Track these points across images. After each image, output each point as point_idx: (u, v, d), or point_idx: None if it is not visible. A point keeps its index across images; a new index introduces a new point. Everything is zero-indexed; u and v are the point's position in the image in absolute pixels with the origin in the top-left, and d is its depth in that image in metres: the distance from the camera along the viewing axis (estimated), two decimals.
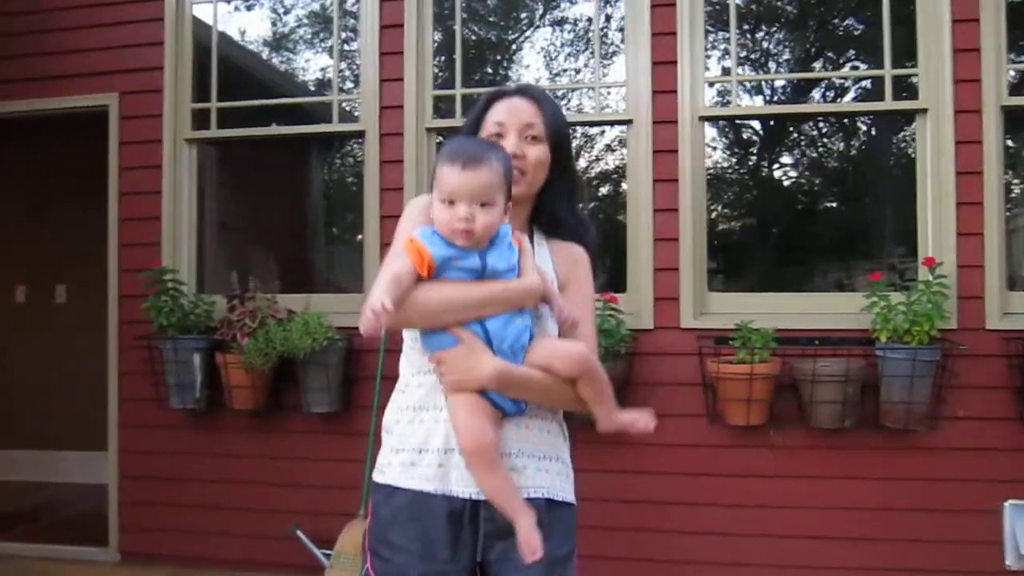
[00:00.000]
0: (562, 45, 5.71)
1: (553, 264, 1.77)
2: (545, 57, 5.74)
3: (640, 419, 1.65)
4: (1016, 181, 4.52)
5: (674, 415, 3.59)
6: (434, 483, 1.61)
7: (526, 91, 1.79)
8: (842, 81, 5.21)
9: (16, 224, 5.99)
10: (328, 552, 3.64)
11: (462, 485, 1.60)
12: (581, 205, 1.92)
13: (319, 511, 3.87)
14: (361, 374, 3.90)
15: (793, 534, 3.54)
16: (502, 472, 1.58)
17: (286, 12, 5.51)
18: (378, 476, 1.70)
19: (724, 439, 3.60)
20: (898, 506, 3.48)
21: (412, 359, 1.71)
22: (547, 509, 1.64)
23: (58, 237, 5.89)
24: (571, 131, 1.92)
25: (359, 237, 4.16)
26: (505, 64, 5.83)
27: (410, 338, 1.71)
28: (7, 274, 6.07)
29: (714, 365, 3.45)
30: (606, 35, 4.60)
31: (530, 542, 1.53)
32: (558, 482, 1.69)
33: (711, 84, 3.96)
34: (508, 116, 1.74)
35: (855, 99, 5.10)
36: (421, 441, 1.63)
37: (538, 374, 1.59)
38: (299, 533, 3.77)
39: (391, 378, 3.81)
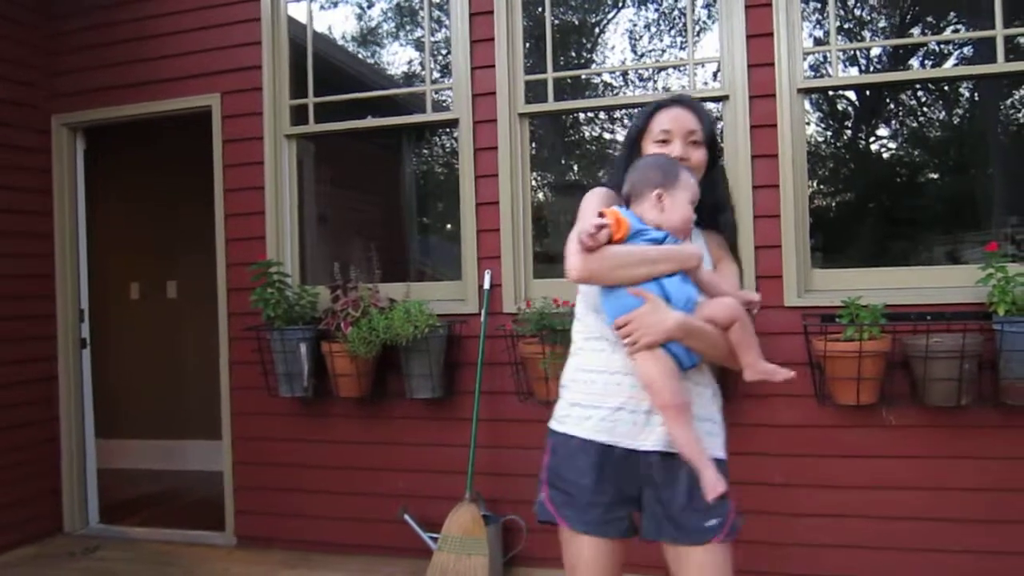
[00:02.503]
0: (647, 25, 5.64)
1: (707, 248, 2.05)
2: (630, 38, 5.69)
3: (781, 370, 1.89)
4: None
5: (781, 395, 3.52)
6: (604, 435, 1.91)
7: (683, 101, 2.05)
8: (941, 46, 4.99)
9: (128, 224, 6.26)
10: (435, 536, 3.72)
11: (628, 439, 1.90)
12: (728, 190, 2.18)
13: (425, 495, 3.95)
14: (463, 360, 3.96)
15: (907, 515, 3.43)
16: (692, 425, 1.83)
17: (374, 6, 5.61)
18: (556, 425, 2.01)
19: (834, 419, 3.51)
20: (1019, 486, 3.33)
21: (587, 323, 2.01)
22: (683, 465, 1.86)
23: (167, 234, 6.15)
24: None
25: (456, 226, 4.20)
26: (591, 47, 5.79)
27: (583, 306, 2.01)
28: (122, 272, 6.35)
29: (821, 343, 3.36)
30: (694, 12, 4.51)
31: (715, 486, 1.80)
32: (708, 441, 1.90)
33: (808, 55, 3.85)
34: (673, 124, 1.99)
35: (957, 64, 4.89)
36: (596, 399, 1.93)
37: (708, 325, 1.85)
38: (407, 517, 3.86)
39: (492, 364, 3.90)
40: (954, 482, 3.39)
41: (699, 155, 1.99)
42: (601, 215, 1.83)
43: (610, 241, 1.82)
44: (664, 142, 1.98)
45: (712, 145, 2.04)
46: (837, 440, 3.52)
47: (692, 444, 1.82)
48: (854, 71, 5.14)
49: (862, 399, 3.32)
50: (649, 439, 1.89)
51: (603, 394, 1.93)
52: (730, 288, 1.96)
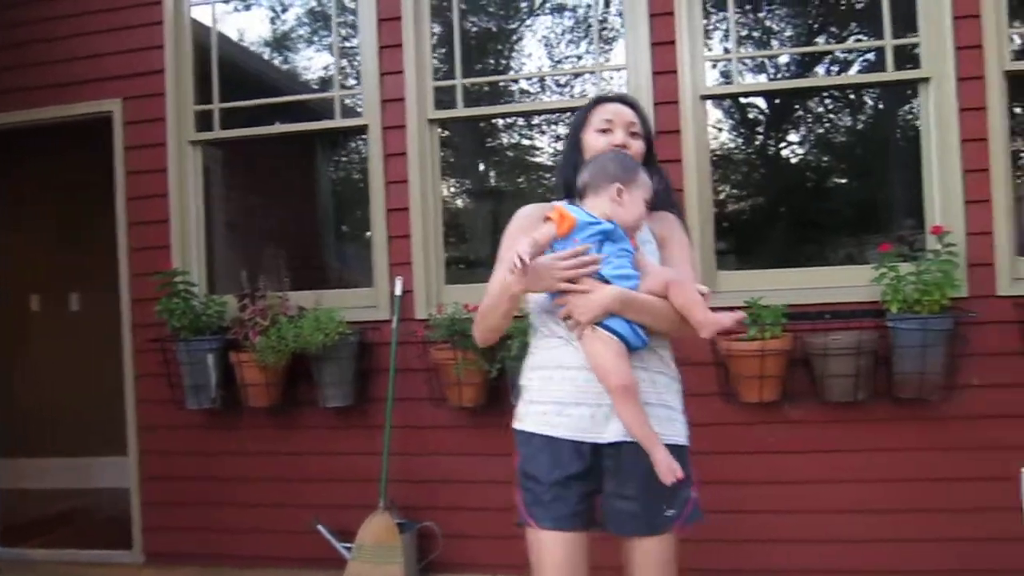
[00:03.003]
0: (562, 32, 5.72)
1: (651, 228, 2.07)
2: (546, 45, 5.75)
3: (729, 314, 1.91)
4: None
5: (688, 395, 3.58)
6: (561, 430, 1.94)
7: (625, 99, 2.17)
8: (845, 56, 5.19)
9: (27, 234, 6.03)
10: (349, 545, 3.68)
11: (586, 432, 1.93)
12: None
13: (339, 505, 3.90)
14: (375, 367, 3.92)
15: (810, 509, 3.54)
16: (641, 407, 1.88)
17: (284, 11, 5.54)
18: (517, 424, 2.06)
19: (739, 417, 3.60)
20: (915, 476, 3.47)
21: (537, 324, 2.06)
22: (643, 454, 1.89)
23: (69, 245, 5.94)
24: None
25: (366, 232, 4.17)
26: (506, 53, 5.83)
27: (533, 305, 2.04)
28: (21, 284, 6.12)
29: (725, 343, 3.45)
30: (606, 20, 4.59)
31: (669, 464, 1.84)
32: (665, 426, 1.95)
33: (713, 64, 3.96)
34: (615, 116, 2.08)
35: (856, 72, 5.08)
36: (552, 395, 1.97)
37: (648, 296, 1.90)
38: (320, 527, 3.81)
39: (404, 371, 3.88)
40: (852, 475, 3.51)
41: (637, 145, 2.07)
42: (547, 218, 1.89)
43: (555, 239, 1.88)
44: (606, 131, 2.06)
45: (651, 141, 2.14)
46: (742, 437, 3.61)
47: (641, 425, 1.86)
48: (763, 79, 5.30)
49: (765, 396, 3.42)
50: (608, 431, 1.92)
51: (558, 390, 1.96)
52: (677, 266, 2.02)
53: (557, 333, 1.98)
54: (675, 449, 1.92)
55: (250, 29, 5.44)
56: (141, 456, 4.27)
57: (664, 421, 1.95)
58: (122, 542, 4.35)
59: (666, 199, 2.15)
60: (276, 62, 5.71)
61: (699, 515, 2.01)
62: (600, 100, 2.15)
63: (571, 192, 2.05)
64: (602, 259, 1.87)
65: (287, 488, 4.04)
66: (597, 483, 1.96)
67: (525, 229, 1.95)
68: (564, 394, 1.95)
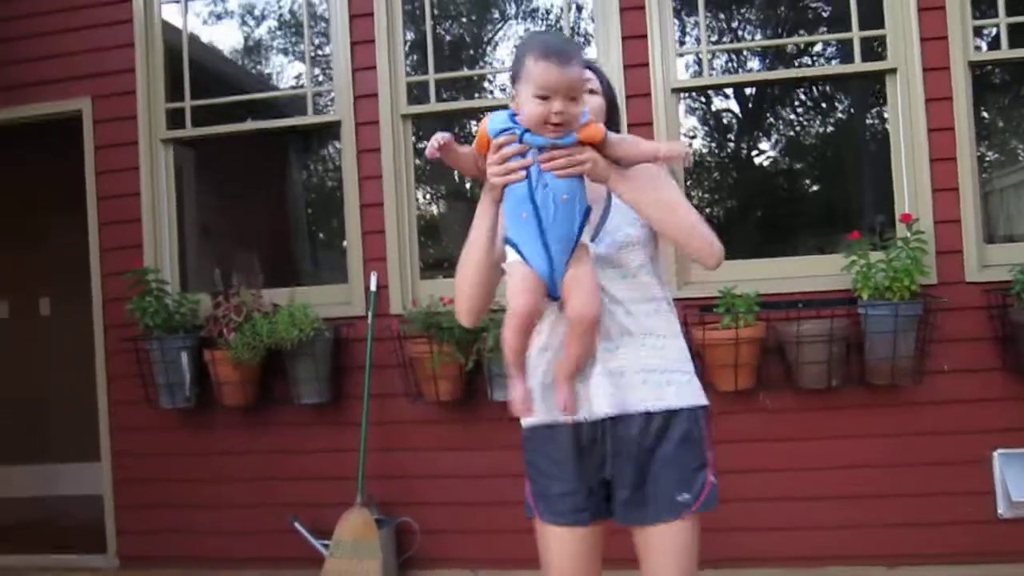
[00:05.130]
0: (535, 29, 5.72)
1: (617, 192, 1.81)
2: (519, 41, 5.76)
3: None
4: (993, 139, 4.59)
5: None
6: (542, 415, 1.79)
7: (584, 62, 1.92)
8: (815, 49, 5.25)
9: None
10: (327, 542, 3.65)
11: (583, 412, 1.76)
12: None
13: (316, 502, 3.88)
14: (351, 363, 3.91)
15: (787, 496, 3.57)
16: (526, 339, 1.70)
17: (255, 10, 5.51)
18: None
19: (714, 406, 3.58)
20: (888, 462, 3.51)
21: None
22: (646, 422, 1.76)
23: (39, 249, 5.83)
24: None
25: (341, 228, 4.15)
26: (480, 55, 5.85)
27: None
28: None
29: (700, 332, 3.47)
30: (578, 25, 4.61)
31: (519, 402, 1.70)
32: (655, 393, 1.78)
33: (683, 57, 3.99)
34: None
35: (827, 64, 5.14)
36: (534, 379, 1.79)
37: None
38: (297, 525, 3.78)
39: (380, 366, 3.87)
40: (827, 461, 3.55)
41: (595, 100, 1.87)
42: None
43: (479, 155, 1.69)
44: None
45: (613, 102, 1.96)
46: (717, 427, 3.60)
47: (519, 353, 1.70)
48: (734, 72, 5.35)
49: (740, 384, 3.44)
50: (594, 406, 1.76)
51: (535, 370, 1.80)
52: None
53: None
54: (694, 412, 1.80)
55: (221, 29, 5.41)
56: (114, 458, 4.22)
57: (657, 387, 1.77)
58: (96, 547, 4.28)
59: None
60: (248, 61, 5.68)
61: (715, 501, 1.80)
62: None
63: None
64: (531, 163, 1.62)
65: (263, 487, 4.00)
66: (602, 470, 1.79)
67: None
68: (541, 374, 1.80)
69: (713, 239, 1.76)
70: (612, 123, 1.90)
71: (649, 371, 1.79)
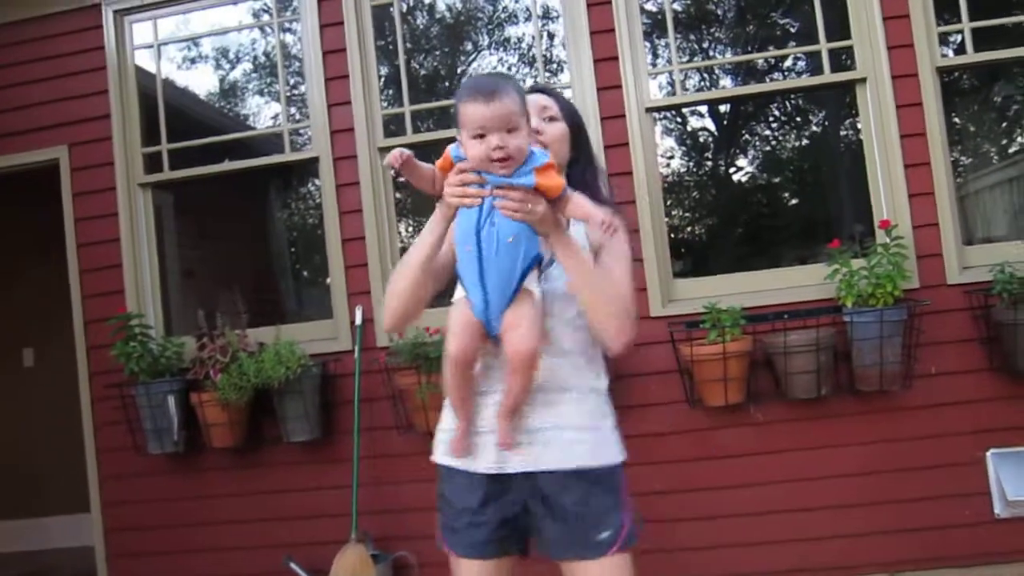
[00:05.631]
0: (509, 67, 5.79)
1: (586, 232, 1.85)
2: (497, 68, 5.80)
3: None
4: (967, 142, 4.64)
5: (653, 404, 3.62)
6: (467, 464, 1.83)
7: (541, 89, 2.00)
8: (785, 63, 5.33)
9: None
10: None
11: (488, 463, 1.80)
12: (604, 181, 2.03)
13: (311, 541, 3.83)
14: (339, 399, 3.88)
15: (783, 509, 3.55)
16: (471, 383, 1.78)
17: (229, 51, 5.53)
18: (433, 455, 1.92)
19: (705, 422, 3.61)
20: (882, 468, 3.51)
21: None
22: (560, 481, 1.77)
23: (20, 300, 5.78)
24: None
25: (323, 264, 4.14)
26: (454, 86, 5.88)
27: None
28: None
29: (688, 349, 3.47)
30: (550, 52, 4.65)
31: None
32: (568, 453, 1.79)
33: (655, 76, 4.03)
34: (531, 105, 1.82)
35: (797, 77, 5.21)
36: (451, 422, 1.85)
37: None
38: (293, 565, 3.73)
39: (369, 400, 3.84)
40: (820, 471, 3.54)
41: (555, 128, 1.89)
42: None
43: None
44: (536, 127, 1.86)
45: (578, 127, 1.96)
46: (710, 442, 3.62)
47: (466, 401, 1.77)
48: (707, 90, 5.41)
49: (730, 399, 3.44)
50: (509, 463, 1.79)
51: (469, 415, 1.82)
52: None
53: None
54: (609, 470, 1.81)
55: (195, 72, 5.43)
56: (104, 508, 4.16)
57: (600, 445, 1.82)
58: None
59: (603, 199, 1.89)
60: (223, 103, 5.70)
61: (636, 534, 1.81)
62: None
63: None
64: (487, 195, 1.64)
65: (257, 528, 3.95)
66: (520, 507, 1.81)
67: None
68: (476, 419, 1.82)
69: (627, 325, 1.75)
70: (578, 147, 1.95)
71: (562, 428, 1.80)
